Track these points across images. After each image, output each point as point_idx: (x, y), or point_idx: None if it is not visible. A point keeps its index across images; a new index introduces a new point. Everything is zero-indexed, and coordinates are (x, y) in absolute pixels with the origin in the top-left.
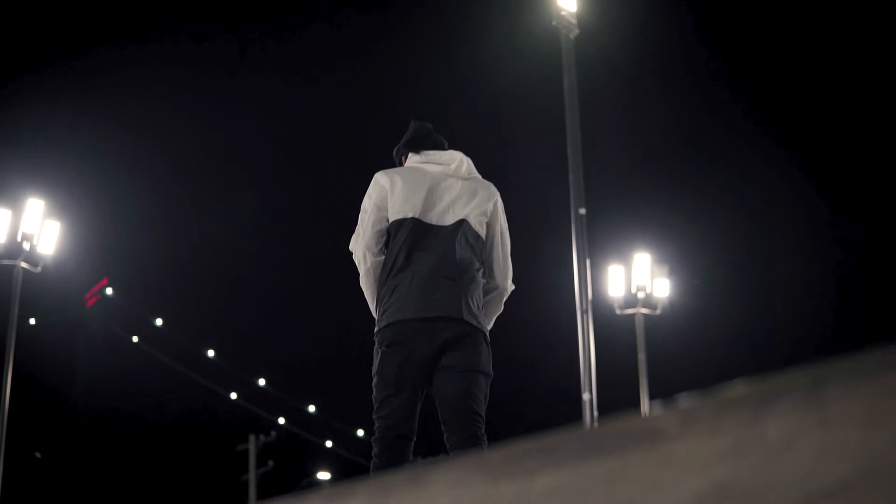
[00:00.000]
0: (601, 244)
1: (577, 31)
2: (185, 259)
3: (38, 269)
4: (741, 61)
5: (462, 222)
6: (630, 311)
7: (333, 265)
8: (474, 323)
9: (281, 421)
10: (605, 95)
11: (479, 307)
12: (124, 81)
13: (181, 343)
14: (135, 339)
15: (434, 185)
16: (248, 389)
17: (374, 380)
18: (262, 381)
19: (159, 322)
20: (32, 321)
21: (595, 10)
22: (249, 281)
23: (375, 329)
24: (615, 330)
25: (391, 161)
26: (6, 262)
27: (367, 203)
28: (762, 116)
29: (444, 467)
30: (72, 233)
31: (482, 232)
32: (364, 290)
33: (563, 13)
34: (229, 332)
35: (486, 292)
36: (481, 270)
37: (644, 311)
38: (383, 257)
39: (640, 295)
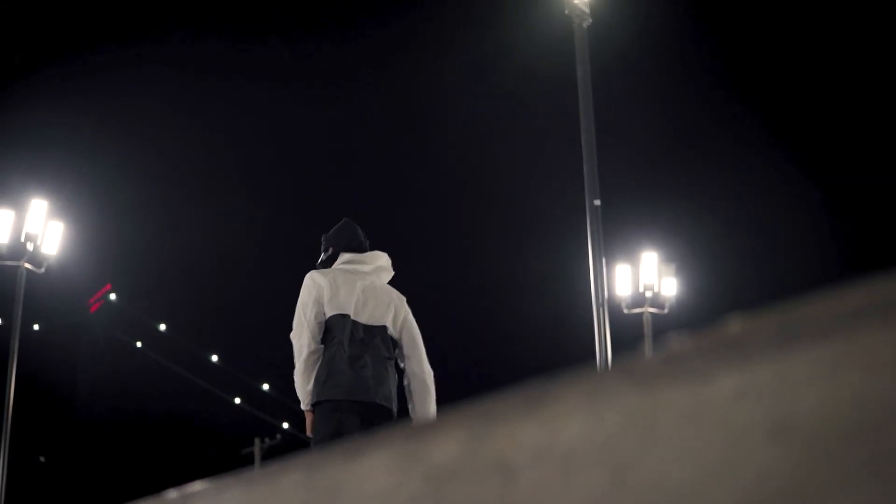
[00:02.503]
0: (608, 243)
1: (590, 20)
2: (188, 264)
3: (42, 271)
4: (757, 57)
5: (384, 328)
6: (637, 310)
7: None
8: (390, 406)
9: (285, 425)
10: (618, 86)
11: (393, 394)
12: (128, 83)
13: (185, 348)
14: (138, 344)
15: (363, 289)
16: (252, 394)
17: (314, 437)
18: (265, 386)
19: (163, 327)
20: (36, 327)
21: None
22: (253, 286)
23: (314, 401)
24: (623, 329)
25: (391, 163)
26: (9, 263)
27: (308, 299)
28: (772, 114)
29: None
30: (75, 234)
31: (396, 335)
32: (301, 373)
33: (576, 2)
34: (233, 336)
35: (411, 380)
36: (394, 364)
37: (652, 310)
38: (322, 346)
39: (648, 294)
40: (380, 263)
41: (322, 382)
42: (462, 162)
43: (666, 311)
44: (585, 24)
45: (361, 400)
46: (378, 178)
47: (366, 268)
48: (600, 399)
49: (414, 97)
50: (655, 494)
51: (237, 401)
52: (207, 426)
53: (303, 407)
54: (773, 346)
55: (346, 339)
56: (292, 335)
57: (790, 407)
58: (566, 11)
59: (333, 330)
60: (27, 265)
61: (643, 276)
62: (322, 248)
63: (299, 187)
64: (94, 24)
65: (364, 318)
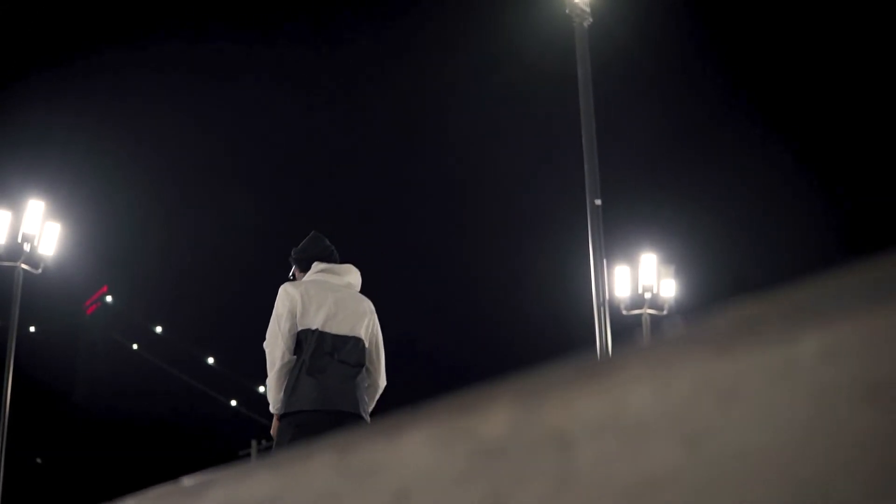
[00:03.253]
0: (608, 243)
1: (590, 19)
2: (184, 266)
3: (39, 271)
4: (758, 57)
5: (358, 339)
6: (636, 311)
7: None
8: (359, 412)
9: None
10: (619, 86)
11: (365, 401)
12: (127, 84)
13: (181, 350)
14: (135, 346)
15: (335, 300)
16: (248, 396)
17: (275, 447)
18: (261, 388)
19: (159, 329)
20: (32, 329)
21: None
22: (250, 288)
23: (282, 412)
24: (621, 331)
25: (392, 164)
26: (7, 263)
27: (283, 311)
28: (773, 114)
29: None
30: (72, 235)
31: (367, 345)
32: (274, 382)
33: (576, 2)
34: (229, 339)
35: (368, 386)
36: (365, 371)
37: (651, 311)
38: (295, 357)
39: (647, 295)
40: (350, 280)
41: (288, 395)
42: (463, 161)
43: (665, 312)
44: (586, 24)
45: (327, 409)
46: (379, 178)
47: (338, 280)
48: (671, 365)
49: (415, 97)
50: (737, 463)
51: (233, 403)
52: (204, 428)
53: (272, 410)
54: (861, 303)
55: (312, 352)
56: (266, 345)
57: (886, 368)
58: (567, 11)
59: (302, 343)
60: (24, 266)
61: (642, 277)
62: (292, 260)
63: (298, 188)
64: (94, 26)
65: (336, 329)
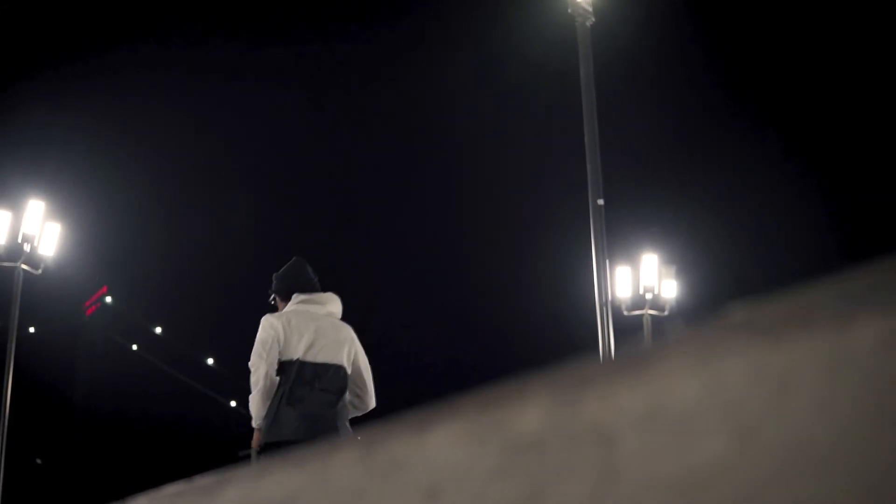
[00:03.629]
0: (608, 244)
1: (592, 18)
2: (184, 267)
3: (39, 272)
4: (760, 57)
5: (339, 366)
6: (637, 312)
7: (332, 274)
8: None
9: None
10: (621, 85)
11: (347, 428)
12: (127, 84)
13: (181, 351)
14: (134, 347)
15: (315, 329)
16: (247, 397)
17: None
18: None
19: (159, 330)
20: (32, 329)
21: None
22: (249, 289)
23: (264, 441)
24: (622, 331)
25: (393, 164)
26: (7, 264)
27: (267, 338)
28: (774, 115)
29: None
30: (72, 235)
31: (349, 371)
32: (257, 398)
33: (578, 1)
34: (228, 340)
35: (356, 409)
36: (346, 399)
37: (652, 312)
38: (278, 379)
39: (648, 296)
40: (331, 309)
41: (269, 425)
42: (464, 160)
43: (666, 313)
44: (588, 23)
45: (308, 438)
46: (380, 179)
47: (319, 309)
48: (720, 355)
49: (416, 96)
50: (792, 455)
51: (233, 404)
52: (203, 429)
53: (253, 424)
54: None
55: (293, 382)
56: (251, 364)
57: None
58: (569, 10)
59: (283, 373)
60: (24, 266)
61: (643, 277)
62: (273, 286)
63: (298, 188)
64: (93, 26)
65: (317, 358)
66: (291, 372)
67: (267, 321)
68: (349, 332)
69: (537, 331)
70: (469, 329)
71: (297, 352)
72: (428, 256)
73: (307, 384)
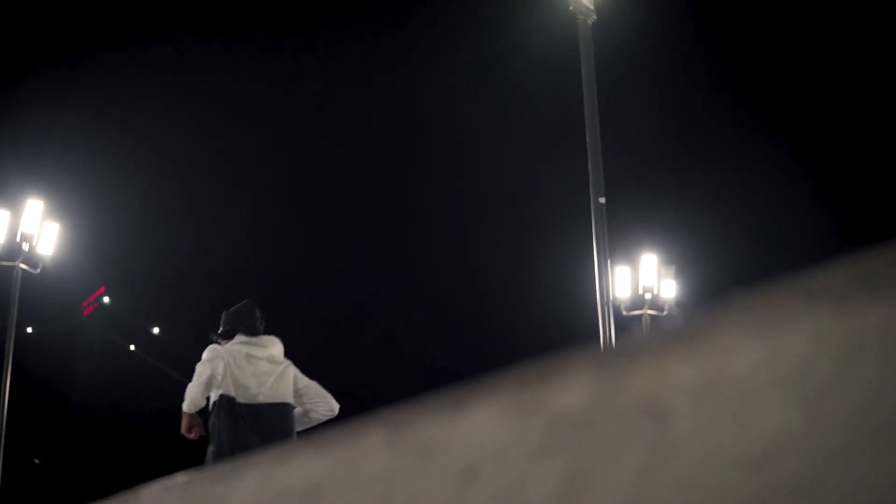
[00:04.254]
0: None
1: (594, 16)
2: (182, 267)
3: (38, 271)
4: (760, 56)
5: (284, 404)
6: (637, 312)
7: (330, 275)
8: None
9: None
10: (621, 84)
11: None
12: (126, 85)
13: (179, 351)
14: (132, 347)
15: (253, 372)
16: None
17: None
18: None
19: (156, 330)
20: (30, 330)
21: None
22: (247, 290)
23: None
24: (621, 332)
25: (393, 165)
26: (5, 263)
27: (206, 371)
28: (774, 114)
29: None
30: (70, 234)
31: (293, 404)
32: (195, 390)
33: None
34: None
35: (323, 416)
36: (291, 434)
37: (651, 312)
38: (203, 404)
39: (647, 296)
40: (272, 352)
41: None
42: (465, 159)
43: (665, 313)
44: (590, 21)
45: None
46: (380, 177)
47: (261, 352)
48: (782, 323)
49: (418, 95)
50: (859, 426)
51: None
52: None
53: (185, 408)
54: None
55: (234, 424)
56: (198, 366)
57: None
58: (571, 8)
59: (222, 410)
60: (23, 265)
61: (643, 278)
62: (221, 323)
63: (298, 189)
64: (93, 27)
65: (258, 399)
66: (228, 410)
67: (212, 350)
68: (289, 368)
69: (537, 329)
70: (468, 327)
71: (235, 390)
72: (427, 253)
73: (248, 427)
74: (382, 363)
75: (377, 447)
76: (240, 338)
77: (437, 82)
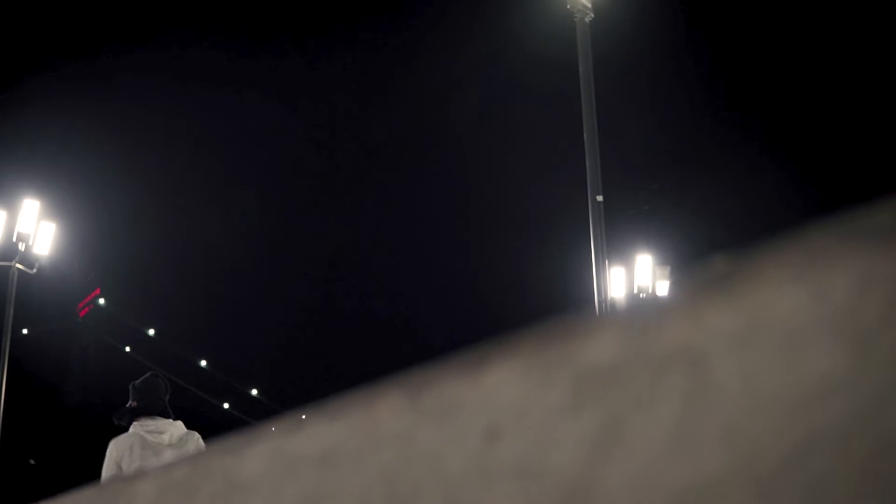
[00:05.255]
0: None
1: (591, 14)
2: (177, 270)
3: (34, 271)
4: (760, 55)
5: None
6: None
7: (328, 279)
8: None
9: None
10: (618, 83)
11: None
12: (123, 86)
13: (174, 353)
14: (127, 348)
15: (156, 458)
16: (240, 399)
17: None
18: (254, 391)
19: (152, 332)
20: (25, 331)
21: None
22: (242, 292)
23: None
24: None
25: (392, 165)
26: (1, 263)
27: (110, 463)
28: (773, 113)
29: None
30: (66, 235)
31: None
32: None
33: None
34: (221, 342)
35: None
36: None
37: None
38: None
39: (642, 297)
40: (173, 431)
41: None
42: (465, 157)
43: None
44: (587, 19)
45: None
46: (380, 177)
47: (163, 438)
48: (826, 264)
49: (417, 94)
50: None
51: (226, 405)
52: (196, 430)
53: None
54: None
55: None
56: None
57: None
58: (568, 7)
59: None
60: (19, 266)
61: (637, 278)
62: (130, 396)
63: (295, 190)
64: (91, 29)
65: None
66: None
67: (114, 445)
68: (191, 445)
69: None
70: (467, 327)
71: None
72: (427, 252)
73: None
74: (384, 354)
75: (396, 410)
76: (139, 424)
77: (435, 81)
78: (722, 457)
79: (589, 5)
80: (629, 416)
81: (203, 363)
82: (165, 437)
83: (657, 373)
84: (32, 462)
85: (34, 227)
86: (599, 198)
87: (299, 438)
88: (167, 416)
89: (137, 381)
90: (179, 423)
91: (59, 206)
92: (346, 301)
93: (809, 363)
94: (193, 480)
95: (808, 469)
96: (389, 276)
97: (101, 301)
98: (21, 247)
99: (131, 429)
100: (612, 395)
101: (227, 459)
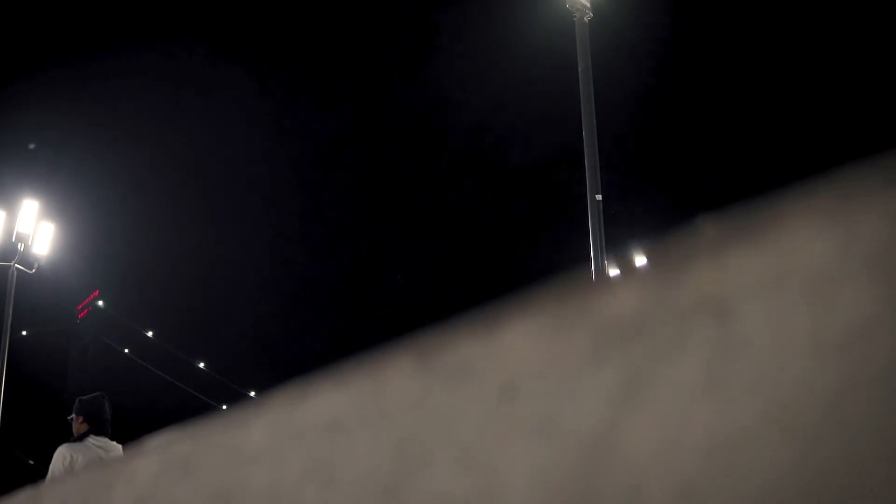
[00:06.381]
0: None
1: (590, 14)
2: (176, 271)
3: (33, 271)
4: (759, 54)
5: None
6: None
7: (325, 279)
8: None
9: None
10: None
11: None
12: (122, 87)
13: (172, 354)
14: (126, 350)
15: None
16: (238, 400)
17: None
18: (252, 393)
19: (150, 334)
20: (24, 333)
21: None
22: (240, 294)
23: None
24: None
25: (393, 164)
26: (1, 263)
27: (57, 470)
28: (771, 113)
29: None
30: (65, 236)
31: None
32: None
33: None
34: (219, 343)
35: None
36: None
37: None
38: None
39: None
40: (119, 453)
41: None
42: (461, 157)
43: None
44: (586, 19)
45: None
46: (379, 177)
47: (105, 455)
48: (854, 209)
49: (417, 92)
50: None
51: (224, 407)
52: None
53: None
54: None
55: None
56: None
57: None
58: (567, 6)
59: None
60: (18, 266)
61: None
62: (74, 410)
63: (290, 196)
64: (90, 30)
65: None
66: None
67: (62, 451)
68: None
69: None
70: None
71: None
72: (427, 250)
73: None
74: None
75: (406, 373)
76: (91, 438)
77: (434, 80)
78: (754, 406)
79: (588, 5)
80: (654, 369)
81: (201, 364)
82: (107, 455)
83: (682, 325)
84: (31, 462)
85: (33, 228)
86: (598, 196)
87: (305, 407)
88: (110, 438)
89: (85, 398)
90: (120, 447)
91: (58, 206)
92: (346, 302)
93: (842, 307)
94: (195, 454)
95: (846, 414)
96: (387, 275)
97: (100, 303)
98: (20, 247)
99: (87, 441)
100: (635, 349)
101: (229, 432)
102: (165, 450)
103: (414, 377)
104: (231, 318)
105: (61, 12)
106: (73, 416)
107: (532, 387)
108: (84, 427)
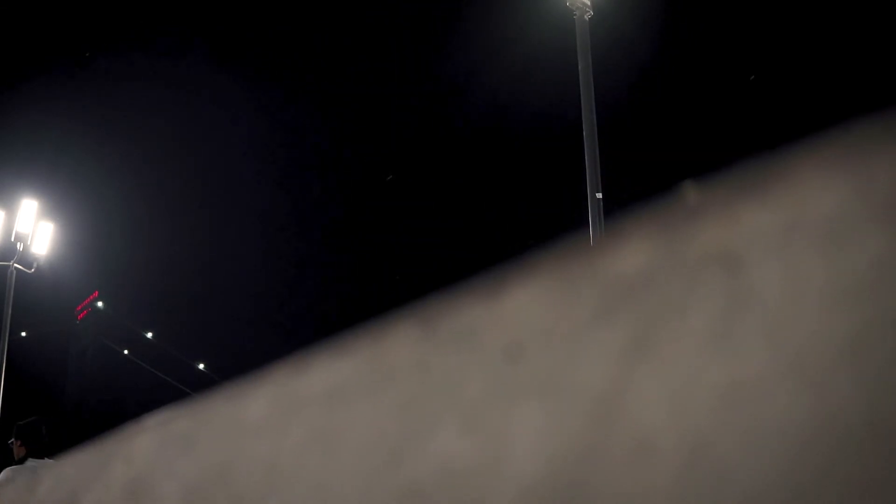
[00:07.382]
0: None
1: (590, 12)
2: (176, 272)
3: (32, 271)
4: (758, 52)
5: None
6: None
7: (325, 279)
8: None
9: None
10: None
11: None
12: (121, 88)
13: (172, 355)
14: (126, 351)
15: None
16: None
17: None
18: None
19: (150, 335)
20: (23, 334)
21: None
22: (240, 294)
23: None
24: None
25: (391, 163)
26: (0, 263)
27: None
28: (769, 112)
29: None
30: (65, 236)
31: None
32: None
33: None
34: (219, 344)
35: None
36: None
37: None
38: None
39: None
40: None
41: None
42: (461, 156)
43: None
44: (587, 17)
45: None
46: (374, 180)
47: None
48: (868, 157)
49: (417, 90)
50: None
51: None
52: None
53: None
54: None
55: None
56: None
57: None
58: (567, 4)
59: None
60: (17, 266)
61: None
62: (14, 434)
63: (289, 196)
64: (90, 31)
65: None
66: None
67: (10, 473)
68: None
69: None
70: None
71: None
72: (426, 249)
73: None
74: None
75: (408, 341)
76: (31, 461)
77: (433, 78)
78: (766, 359)
79: (588, 3)
80: (663, 325)
81: (201, 366)
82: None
83: (691, 279)
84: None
85: (32, 227)
86: (599, 195)
87: (305, 377)
88: (49, 459)
89: (23, 423)
90: None
91: (57, 206)
92: (348, 303)
93: (855, 255)
94: (194, 429)
95: (862, 359)
96: (386, 274)
97: (100, 304)
98: (19, 247)
99: (27, 464)
100: (643, 305)
101: (228, 405)
102: (164, 426)
103: (417, 344)
104: (231, 319)
105: (61, 12)
106: (13, 440)
107: (537, 347)
108: (23, 451)
